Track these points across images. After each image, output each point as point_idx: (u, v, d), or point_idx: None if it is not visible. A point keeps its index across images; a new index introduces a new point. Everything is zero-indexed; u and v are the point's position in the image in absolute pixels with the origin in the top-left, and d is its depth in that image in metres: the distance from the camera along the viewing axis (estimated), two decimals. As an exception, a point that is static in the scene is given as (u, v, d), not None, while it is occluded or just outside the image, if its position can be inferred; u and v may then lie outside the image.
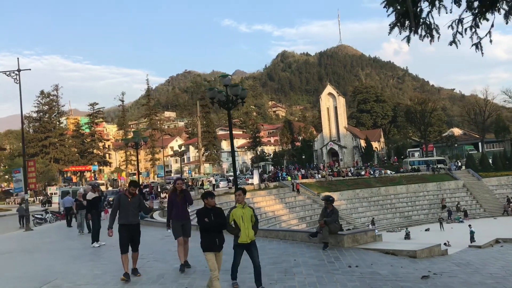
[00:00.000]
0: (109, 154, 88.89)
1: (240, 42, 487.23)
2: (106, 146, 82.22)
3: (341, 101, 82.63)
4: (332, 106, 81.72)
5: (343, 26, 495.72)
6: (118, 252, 8.53)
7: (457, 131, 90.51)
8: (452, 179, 56.68)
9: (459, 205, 50.29)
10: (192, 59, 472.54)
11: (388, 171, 60.46)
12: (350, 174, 58.33)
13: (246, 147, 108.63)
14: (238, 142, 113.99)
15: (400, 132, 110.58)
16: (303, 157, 78.44)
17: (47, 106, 66.17)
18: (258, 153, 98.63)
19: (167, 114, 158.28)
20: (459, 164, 61.09)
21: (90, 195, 12.91)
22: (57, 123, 65.25)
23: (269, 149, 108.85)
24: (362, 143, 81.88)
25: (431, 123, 79.46)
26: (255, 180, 50.55)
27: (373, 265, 8.89)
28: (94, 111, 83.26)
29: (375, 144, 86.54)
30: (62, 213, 29.16)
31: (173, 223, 8.91)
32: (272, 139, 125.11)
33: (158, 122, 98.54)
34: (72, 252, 12.40)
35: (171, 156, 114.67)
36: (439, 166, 61.58)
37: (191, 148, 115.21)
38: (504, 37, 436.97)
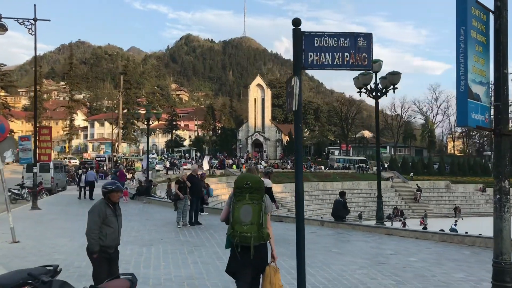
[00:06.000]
0: None
1: (134, 19, 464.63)
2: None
3: (269, 94, 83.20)
4: (259, 97, 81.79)
5: (240, 19, 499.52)
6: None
7: (367, 134, 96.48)
8: (381, 180, 60.01)
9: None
10: (85, 29, 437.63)
11: (322, 167, 62.21)
12: (288, 167, 58.90)
13: (158, 129, 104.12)
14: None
15: (309, 129, 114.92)
16: (234, 146, 77.52)
17: None
18: (174, 137, 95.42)
19: (63, 84, 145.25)
20: (385, 165, 65.06)
21: (265, 181, 10.73)
22: None
23: (182, 134, 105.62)
24: (283, 136, 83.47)
25: (353, 124, 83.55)
26: (205, 166, 48.62)
27: None
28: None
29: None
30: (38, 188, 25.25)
31: None
32: (182, 123, 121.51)
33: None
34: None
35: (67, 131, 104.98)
36: (364, 166, 65.10)
37: (96, 124, 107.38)
38: (382, 50, 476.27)
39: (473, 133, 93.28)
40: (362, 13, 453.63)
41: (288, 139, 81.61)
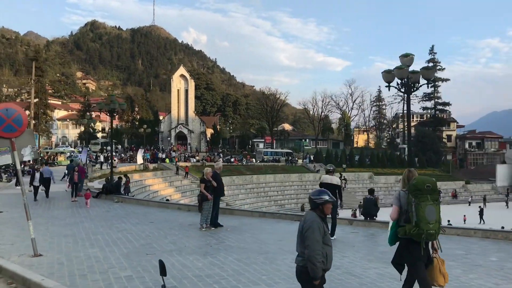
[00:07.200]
0: None
1: (28, 1, 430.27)
2: None
3: (193, 85, 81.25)
4: (183, 88, 79.42)
5: (146, 7, 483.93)
6: None
7: (287, 126, 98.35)
8: (310, 172, 61.54)
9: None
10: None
11: (254, 160, 62.17)
12: (220, 160, 57.93)
13: (68, 120, 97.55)
14: (58, 114, 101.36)
15: (227, 121, 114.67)
16: (156, 138, 74.63)
17: None
18: (88, 128, 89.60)
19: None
20: (311, 158, 66.74)
21: (335, 179, 9.72)
22: None
23: (96, 125, 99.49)
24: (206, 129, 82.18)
25: (278, 117, 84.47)
26: (139, 160, 46.24)
27: None
28: None
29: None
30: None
31: None
32: (93, 114, 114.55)
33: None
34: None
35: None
36: (292, 158, 66.31)
37: None
38: (287, 45, 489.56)
39: (384, 127, 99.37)
40: (268, 8, 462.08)
41: (213, 132, 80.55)
